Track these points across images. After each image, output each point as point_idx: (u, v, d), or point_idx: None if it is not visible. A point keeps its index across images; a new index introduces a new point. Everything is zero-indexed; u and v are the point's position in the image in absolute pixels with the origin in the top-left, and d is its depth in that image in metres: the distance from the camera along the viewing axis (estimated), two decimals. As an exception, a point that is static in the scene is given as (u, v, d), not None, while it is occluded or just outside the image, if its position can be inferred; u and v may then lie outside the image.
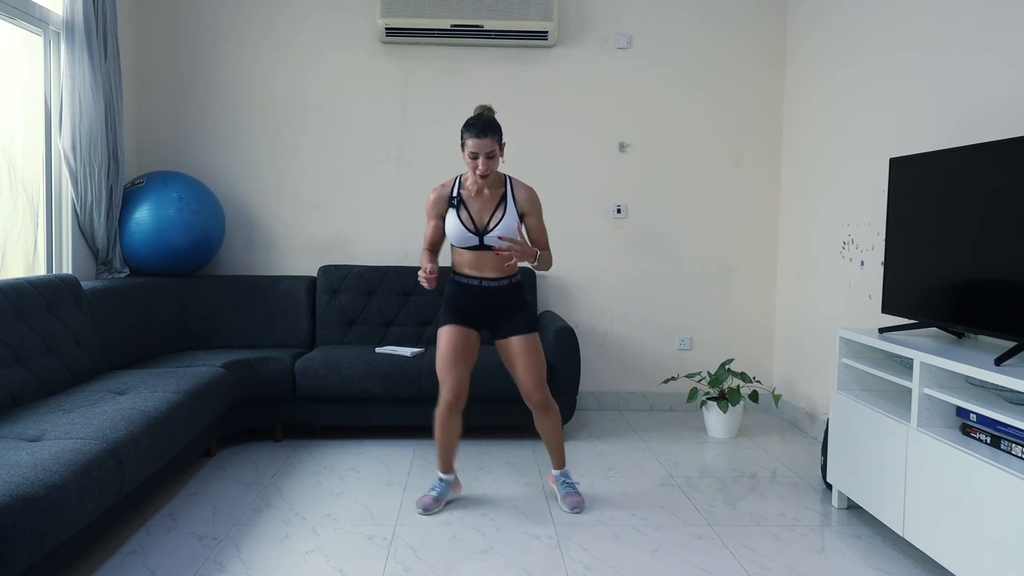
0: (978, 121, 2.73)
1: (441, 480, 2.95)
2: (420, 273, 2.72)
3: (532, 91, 4.34)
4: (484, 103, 2.80)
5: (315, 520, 2.77)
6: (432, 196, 2.87)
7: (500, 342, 2.89)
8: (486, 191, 2.83)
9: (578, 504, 2.89)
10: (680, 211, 4.42)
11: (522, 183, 2.88)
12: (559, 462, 3.01)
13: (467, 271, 2.86)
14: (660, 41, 4.36)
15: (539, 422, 2.94)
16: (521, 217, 2.84)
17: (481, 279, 2.85)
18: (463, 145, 2.74)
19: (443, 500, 2.92)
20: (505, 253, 2.69)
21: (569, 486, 2.96)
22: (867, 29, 3.47)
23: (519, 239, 2.73)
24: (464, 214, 2.80)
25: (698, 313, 4.46)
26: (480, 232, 2.80)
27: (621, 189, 4.40)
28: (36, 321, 2.90)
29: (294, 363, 3.65)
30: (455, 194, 2.83)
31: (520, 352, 2.84)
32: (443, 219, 2.87)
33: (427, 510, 2.85)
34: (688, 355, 4.47)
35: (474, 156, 2.72)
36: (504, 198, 2.83)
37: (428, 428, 3.61)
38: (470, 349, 2.86)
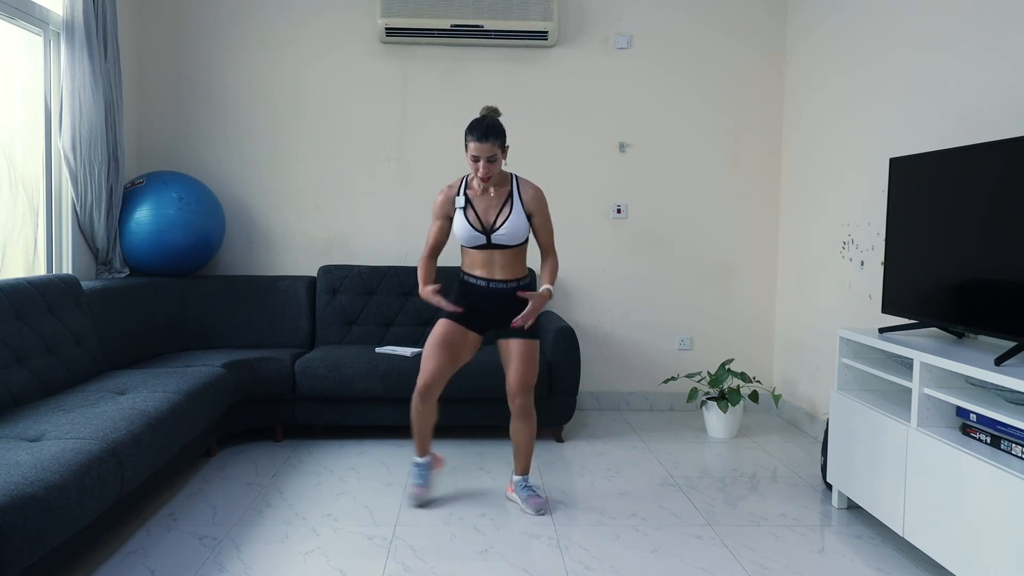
0: (978, 121, 2.73)
1: (417, 465, 2.99)
2: (421, 291, 2.78)
3: (532, 91, 4.34)
4: (490, 104, 2.83)
5: (315, 520, 2.77)
6: (440, 197, 2.89)
7: (502, 341, 2.89)
8: (492, 190, 2.84)
9: (541, 506, 2.87)
10: (680, 211, 4.42)
11: (529, 182, 2.89)
12: (524, 468, 2.99)
13: (476, 272, 2.87)
14: (660, 41, 4.36)
15: (515, 427, 2.92)
16: (528, 217, 2.85)
17: (489, 280, 2.86)
18: (467, 147, 2.76)
19: (429, 486, 2.96)
20: (524, 323, 2.73)
21: (530, 490, 2.94)
22: (867, 29, 3.47)
23: (531, 312, 2.74)
24: (471, 213, 2.82)
25: (698, 313, 4.46)
26: (487, 231, 2.81)
27: (621, 189, 4.40)
28: (36, 321, 2.90)
29: (294, 363, 3.65)
30: (462, 193, 2.85)
31: (516, 356, 2.85)
32: (450, 220, 2.89)
33: (419, 500, 2.92)
34: (688, 355, 4.47)
35: (475, 159, 2.73)
36: (510, 196, 2.84)
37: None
38: (463, 347, 2.88)
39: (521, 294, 2.79)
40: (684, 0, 4.35)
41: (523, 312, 2.75)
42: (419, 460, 3.00)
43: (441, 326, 2.87)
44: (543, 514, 2.86)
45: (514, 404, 2.88)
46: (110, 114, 3.59)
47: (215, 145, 4.29)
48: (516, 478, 2.99)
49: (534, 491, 2.94)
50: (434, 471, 3.03)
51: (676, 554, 2.54)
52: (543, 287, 2.80)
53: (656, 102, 4.38)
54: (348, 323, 4.11)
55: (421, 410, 2.91)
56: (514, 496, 2.97)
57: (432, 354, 2.84)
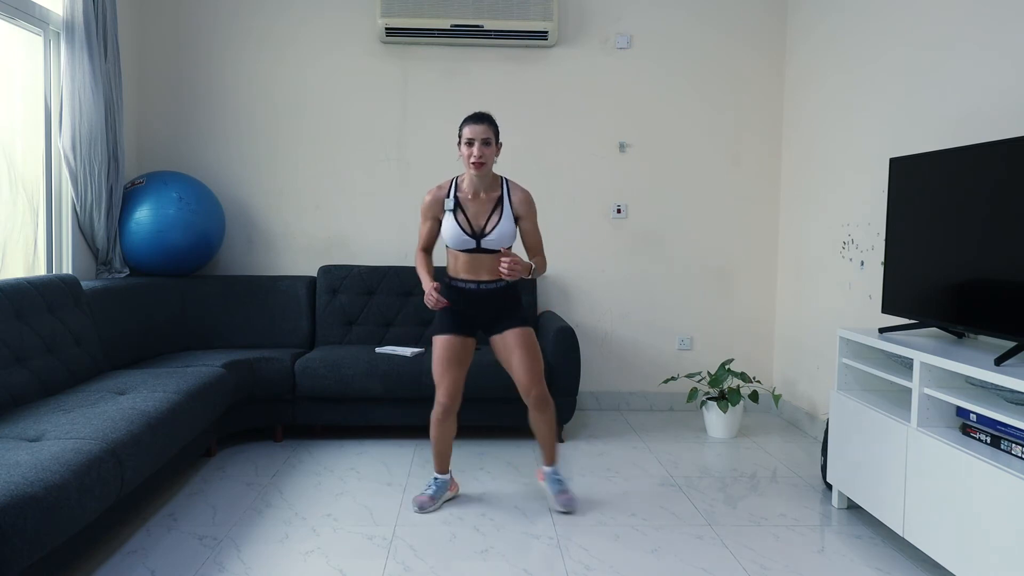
0: (978, 121, 2.73)
1: (436, 479, 2.96)
2: (427, 298, 2.72)
3: (532, 91, 4.34)
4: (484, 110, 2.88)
5: (315, 520, 2.77)
6: (428, 198, 2.87)
7: (495, 338, 2.88)
8: (482, 194, 2.83)
9: (570, 502, 2.88)
10: (680, 211, 4.42)
11: (518, 186, 2.88)
12: (551, 459, 2.99)
13: (463, 275, 2.86)
14: (660, 41, 4.36)
15: (534, 418, 2.92)
16: (516, 220, 2.85)
17: (478, 282, 2.85)
18: (460, 140, 2.77)
19: (439, 499, 2.92)
20: (505, 272, 2.68)
21: (560, 483, 2.94)
22: (867, 29, 3.47)
23: (514, 259, 2.70)
24: (461, 217, 2.81)
25: (698, 313, 4.46)
26: (477, 235, 2.80)
27: (621, 189, 4.40)
28: (36, 321, 2.90)
29: (294, 363, 3.65)
30: (452, 196, 2.83)
31: (516, 346, 2.83)
32: (439, 221, 2.87)
33: (423, 508, 2.86)
34: (688, 355, 4.46)
35: (470, 143, 2.73)
36: (500, 201, 2.83)
37: (428, 428, 3.61)
38: (464, 355, 2.88)
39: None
40: (684, 0, 4.35)
41: (507, 265, 2.66)
42: (440, 476, 2.96)
43: (442, 343, 2.84)
44: (571, 511, 2.87)
45: (530, 397, 2.86)
46: (110, 114, 3.59)
47: (215, 145, 4.29)
48: (546, 469, 2.99)
49: (564, 486, 2.93)
50: (448, 492, 2.97)
51: (676, 554, 2.54)
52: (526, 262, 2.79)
53: (656, 102, 4.38)
54: (348, 323, 4.11)
55: (443, 428, 2.89)
56: (544, 485, 2.98)
57: (444, 373, 2.83)
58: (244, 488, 3.08)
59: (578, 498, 2.97)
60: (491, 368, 3.55)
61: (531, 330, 2.88)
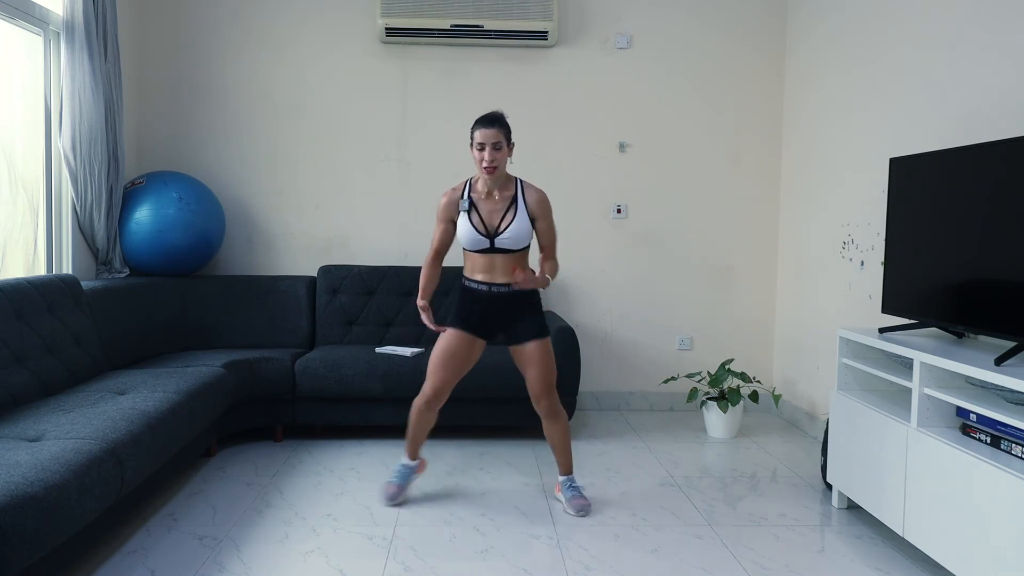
0: (978, 121, 2.73)
1: (405, 466, 3.00)
2: (423, 319, 2.88)
3: (532, 91, 4.34)
4: (493, 110, 2.88)
5: (315, 520, 2.77)
6: (443, 200, 2.87)
7: (514, 347, 2.88)
8: (496, 193, 2.83)
9: (583, 507, 2.87)
10: (680, 211, 4.42)
11: (533, 186, 2.87)
12: (566, 468, 2.99)
13: (478, 276, 2.86)
14: (660, 41, 4.36)
15: (547, 428, 2.94)
16: (532, 220, 2.84)
17: (491, 284, 2.84)
18: (472, 141, 2.77)
19: (406, 487, 2.97)
20: (519, 286, 2.72)
21: (575, 490, 2.94)
22: (867, 29, 3.47)
23: (527, 275, 2.72)
24: (475, 217, 2.80)
25: (698, 313, 4.46)
26: (491, 235, 2.80)
27: (621, 189, 4.40)
28: (36, 321, 2.90)
29: (294, 363, 3.65)
30: (466, 197, 2.83)
31: (532, 359, 2.84)
32: (454, 223, 2.87)
33: (392, 499, 2.92)
34: (688, 355, 4.47)
35: (481, 147, 2.73)
36: (515, 200, 2.82)
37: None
38: (468, 356, 2.88)
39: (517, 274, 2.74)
40: (684, 0, 4.35)
41: (520, 280, 2.70)
42: (408, 462, 3.00)
43: (448, 337, 2.85)
44: (584, 515, 2.86)
45: (540, 406, 2.89)
46: (110, 114, 3.59)
47: (215, 145, 4.29)
48: (561, 478, 2.99)
49: (579, 491, 2.94)
50: (416, 475, 3.04)
51: (676, 554, 2.54)
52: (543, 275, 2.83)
53: (656, 102, 4.38)
54: (348, 323, 4.11)
55: (424, 417, 2.92)
56: (560, 496, 2.98)
57: (440, 366, 2.84)
58: (244, 488, 3.08)
59: (590, 503, 2.94)
60: (492, 368, 3.56)
61: (547, 341, 2.87)
